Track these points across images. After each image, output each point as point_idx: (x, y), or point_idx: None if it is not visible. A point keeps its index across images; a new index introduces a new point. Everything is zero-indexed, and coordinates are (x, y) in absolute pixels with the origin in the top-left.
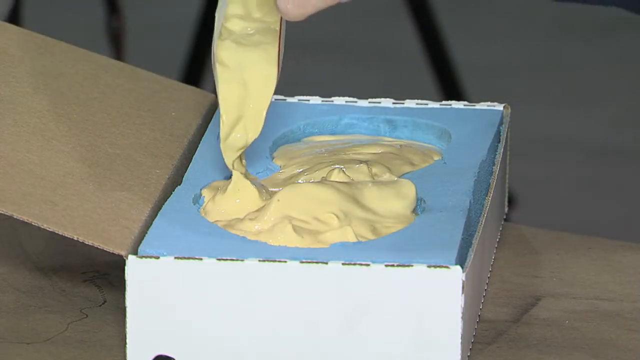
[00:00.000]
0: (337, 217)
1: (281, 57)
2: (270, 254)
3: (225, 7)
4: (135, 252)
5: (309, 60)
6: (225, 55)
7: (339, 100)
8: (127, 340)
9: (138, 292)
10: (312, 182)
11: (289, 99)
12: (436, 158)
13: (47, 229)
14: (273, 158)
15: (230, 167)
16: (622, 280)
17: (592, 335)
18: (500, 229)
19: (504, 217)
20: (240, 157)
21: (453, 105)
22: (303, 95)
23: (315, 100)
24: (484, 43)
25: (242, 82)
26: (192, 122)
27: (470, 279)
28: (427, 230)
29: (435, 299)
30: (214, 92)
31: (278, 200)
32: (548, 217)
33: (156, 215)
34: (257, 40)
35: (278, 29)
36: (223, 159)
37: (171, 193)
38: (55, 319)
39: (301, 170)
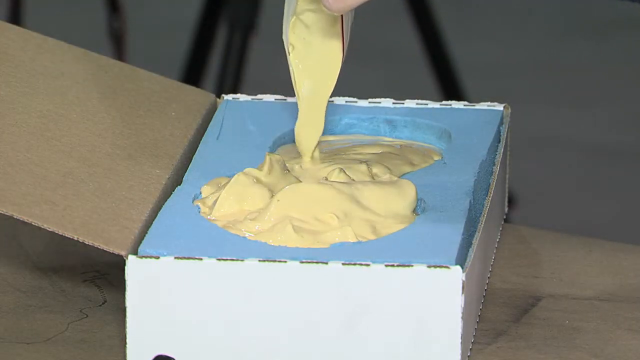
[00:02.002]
0: (337, 217)
1: (346, 45)
2: (270, 254)
3: (296, 2)
4: (135, 252)
5: None
6: (297, 43)
7: (339, 100)
8: (127, 340)
9: (138, 292)
10: (312, 182)
11: (289, 99)
12: (436, 158)
13: (47, 229)
14: None
15: (308, 155)
16: (622, 281)
17: (592, 335)
18: (500, 229)
19: (504, 217)
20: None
21: (453, 105)
22: None
23: None
24: (484, 43)
25: (310, 67)
26: (192, 122)
27: (470, 279)
28: (427, 230)
29: (435, 299)
30: (214, 92)
31: (278, 200)
32: (548, 217)
33: (156, 215)
34: (324, 30)
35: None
36: (223, 159)
37: (171, 193)
38: (55, 319)
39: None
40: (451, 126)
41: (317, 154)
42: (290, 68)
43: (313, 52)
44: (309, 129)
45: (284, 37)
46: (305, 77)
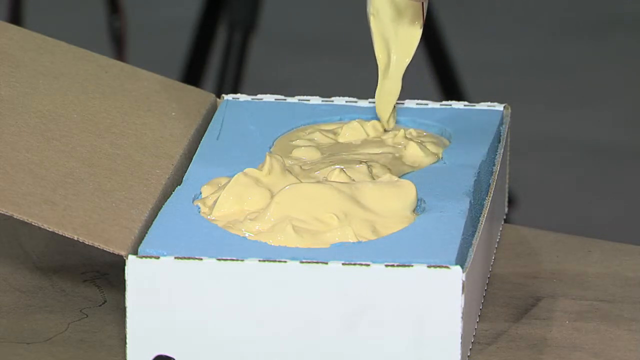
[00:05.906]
0: (337, 217)
1: (425, 13)
2: (270, 254)
3: None
4: (135, 252)
5: (309, 60)
6: (379, 9)
7: (339, 100)
8: (127, 340)
9: (138, 292)
10: (312, 182)
11: (289, 99)
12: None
13: (47, 229)
14: None
15: (384, 121)
16: (621, 282)
17: (592, 335)
18: (500, 229)
19: (504, 217)
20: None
21: (453, 105)
22: (303, 95)
23: (315, 100)
24: (484, 43)
25: (390, 35)
26: (192, 122)
27: (470, 279)
28: (427, 230)
29: (435, 299)
30: (214, 92)
31: (278, 200)
32: (548, 217)
33: (156, 215)
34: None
35: None
36: (223, 159)
37: (171, 193)
38: (55, 319)
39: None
40: (451, 126)
41: (392, 120)
42: (372, 34)
43: (394, 21)
44: (386, 96)
45: (367, 4)
46: (385, 45)
